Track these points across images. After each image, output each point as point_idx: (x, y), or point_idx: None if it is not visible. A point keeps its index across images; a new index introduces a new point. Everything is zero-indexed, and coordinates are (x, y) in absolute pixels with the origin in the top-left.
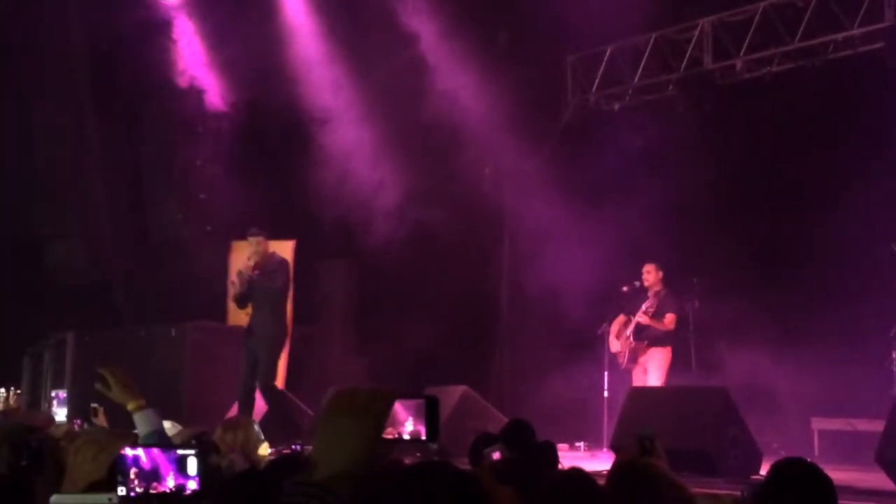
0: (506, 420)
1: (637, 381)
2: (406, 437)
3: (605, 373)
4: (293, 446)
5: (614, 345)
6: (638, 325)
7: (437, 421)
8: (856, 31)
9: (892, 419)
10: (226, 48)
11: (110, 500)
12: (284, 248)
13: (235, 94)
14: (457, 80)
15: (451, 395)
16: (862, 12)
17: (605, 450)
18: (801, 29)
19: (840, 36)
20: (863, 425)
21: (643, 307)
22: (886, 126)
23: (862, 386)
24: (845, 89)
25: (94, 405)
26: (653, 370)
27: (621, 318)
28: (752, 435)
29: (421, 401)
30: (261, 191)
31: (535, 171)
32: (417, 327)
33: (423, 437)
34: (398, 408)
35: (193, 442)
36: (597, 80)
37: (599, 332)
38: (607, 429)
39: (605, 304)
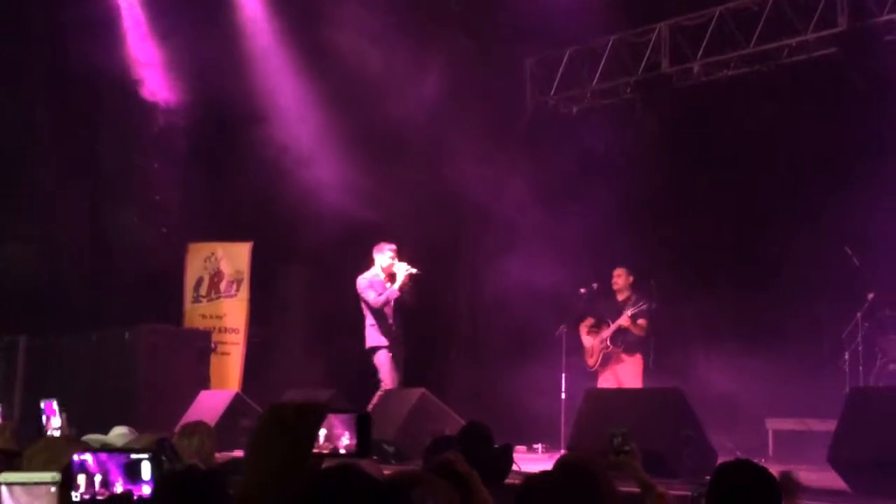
0: (463, 422)
1: (604, 384)
2: (342, 451)
3: (563, 374)
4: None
5: (587, 341)
6: (619, 328)
7: (369, 436)
8: (810, 36)
9: (844, 419)
10: (180, 45)
11: (53, 478)
12: (241, 250)
13: (191, 94)
14: (417, 82)
15: (409, 397)
16: (816, 17)
17: (562, 451)
18: (757, 33)
19: (795, 41)
20: (816, 425)
21: (628, 312)
22: (840, 129)
23: (816, 386)
24: (800, 93)
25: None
26: (628, 378)
27: (589, 320)
28: (707, 435)
29: (352, 416)
30: (217, 192)
31: (495, 173)
32: None
33: (354, 452)
34: (335, 422)
35: (156, 447)
36: (556, 83)
37: (557, 333)
38: (565, 430)
39: (563, 306)
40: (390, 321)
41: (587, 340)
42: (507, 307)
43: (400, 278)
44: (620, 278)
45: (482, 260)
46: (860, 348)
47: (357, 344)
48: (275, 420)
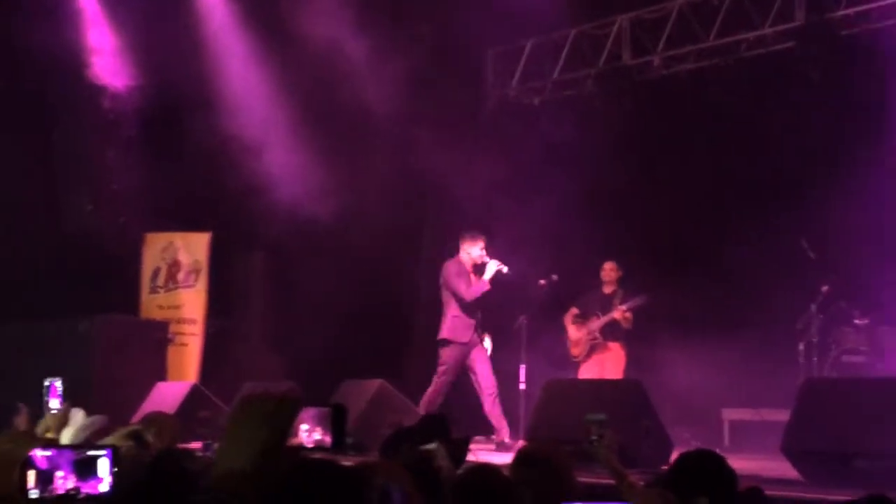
0: (422, 413)
1: (587, 374)
2: (310, 445)
3: (522, 365)
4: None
5: (573, 331)
6: (612, 321)
7: (344, 429)
8: (768, 31)
9: (797, 410)
10: (135, 30)
11: None
12: (200, 240)
13: (148, 80)
14: (378, 70)
15: (368, 388)
16: (774, 12)
17: (521, 441)
18: (716, 27)
19: (753, 35)
20: (771, 415)
21: (624, 306)
22: (797, 123)
23: (771, 377)
24: (758, 86)
25: (19, 404)
26: (611, 369)
27: (574, 310)
28: (664, 426)
29: (326, 409)
30: (176, 181)
31: (456, 164)
32: (334, 320)
33: (328, 446)
34: (303, 415)
35: (132, 441)
36: (517, 74)
37: (516, 325)
38: (524, 421)
39: (523, 297)
40: (475, 317)
41: (573, 331)
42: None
43: (490, 273)
44: (613, 272)
45: (442, 250)
46: (815, 340)
47: (316, 336)
48: (251, 410)
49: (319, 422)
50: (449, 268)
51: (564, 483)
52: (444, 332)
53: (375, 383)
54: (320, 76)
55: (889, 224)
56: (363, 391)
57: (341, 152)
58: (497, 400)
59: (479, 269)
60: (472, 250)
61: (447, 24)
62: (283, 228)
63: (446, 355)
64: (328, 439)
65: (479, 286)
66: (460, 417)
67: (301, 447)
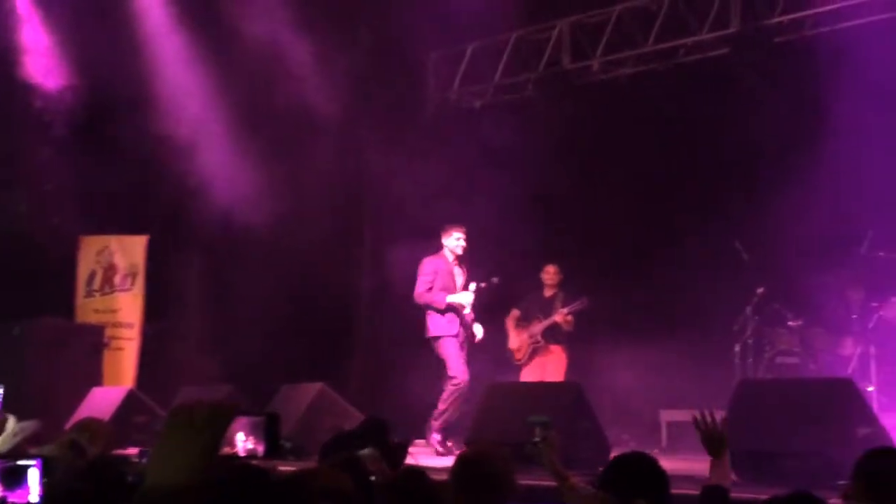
0: (362, 417)
1: (529, 377)
2: (242, 454)
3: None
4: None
5: (514, 334)
6: (554, 324)
7: (277, 438)
8: (705, 36)
9: (732, 410)
10: (71, 30)
11: None
12: (137, 243)
13: (82, 79)
14: (316, 73)
15: (308, 392)
16: (711, 18)
17: (462, 445)
18: (654, 32)
19: (690, 40)
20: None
21: (565, 309)
22: (732, 128)
23: (707, 378)
24: (696, 91)
25: None
26: (553, 372)
27: (516, 313)
28: (603, 428)
29: (260, 418)
30: (111, 183)
31: (397, 166)
32: (274, 323)
33: (261, 454)
34: (238, 424)
35: (71, 450)
36: (458, 78)
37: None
38: (466, 423)
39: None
40: (448, 311)
41: (514, 334)
42: (407, 301)
43: (463, 300)
44: (555, 275)
45: (382, 253)
46: (750, 341)
47: (255, 339)
48: (184, 419)
49: (253, 430)
50: (420, 264)
51: (505, 485)
52: (429, 330)
53: (316, 387)
54: (259, 77)
55: (821, 227)
56: (303, 395)
57: (280, 154)
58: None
59: (461, 258)
60: (448, 241)
61: (388, 26)
62: (221, 230)
63: (443, 352)
64: (261, 448)
65: (431, 297)
66: (404, 421)
67: (234, 456)
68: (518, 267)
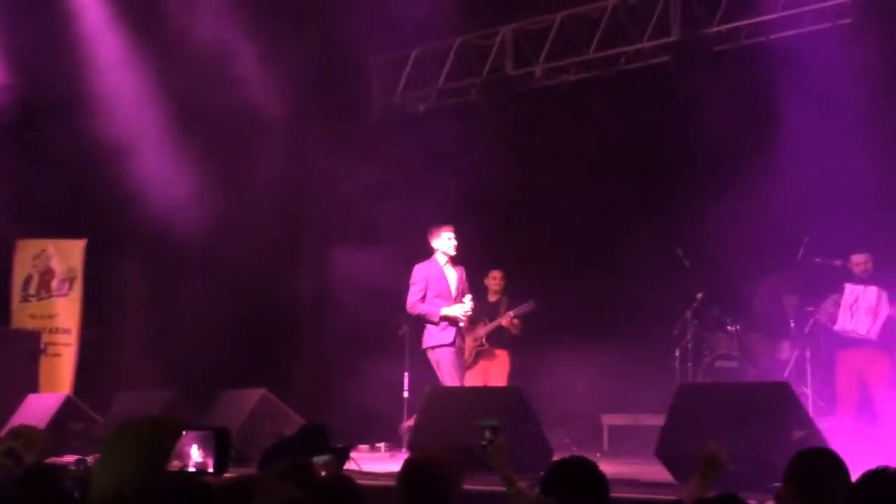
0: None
1: (472, 381)
2: (191, 468)
3: (406, 373)
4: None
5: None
6: (499, 327)
7: (227, 454)
8: (646, 44)
9: (671, 414)
10: (5, 31)
11: None
12: (75, 247)
13: (17, 79)
14: (261, 76)
15: (249, 398)
16: (651, 27)
17: (404, 450)
18: (596, 40)
19: (631, 48)
20: (648, 420)
21: (512, 312)
22: (672, 135)
23: (648, 382)
24: (637, 99)
25: None
26: (496, 376)
27: None
28: (544, 432)
29: (209, 432)
30: (49, 185)
31: (340, 170)
32: (215, 328)
33: (210, 469)
34: (185, 438)
35: (8, 458)
36: (402, 82)
37: (400, 332)
38: (407, 429)
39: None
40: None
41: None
42: (350, 305)
43: (461, 312)
44: (500, 280)
45: (325, 257)
46: (690, 346)
47: (195, 344)
48: (131, 431)
49: (203, 444)
50: (411, 272)
51: (452, 490)
52: (425, 342)
53: (258, 393)
54: (202, 79)
55: (759, 233)
56: (245, 401)
57: (223, 156)
58: None
59: (453, 259)
60: (439, 243)
61: (333, 29)
62: (161, 234)
63: (436, 360)
64: (210, 462)
65: (426, 309)
66: (347, 426)
67: (182, 470)
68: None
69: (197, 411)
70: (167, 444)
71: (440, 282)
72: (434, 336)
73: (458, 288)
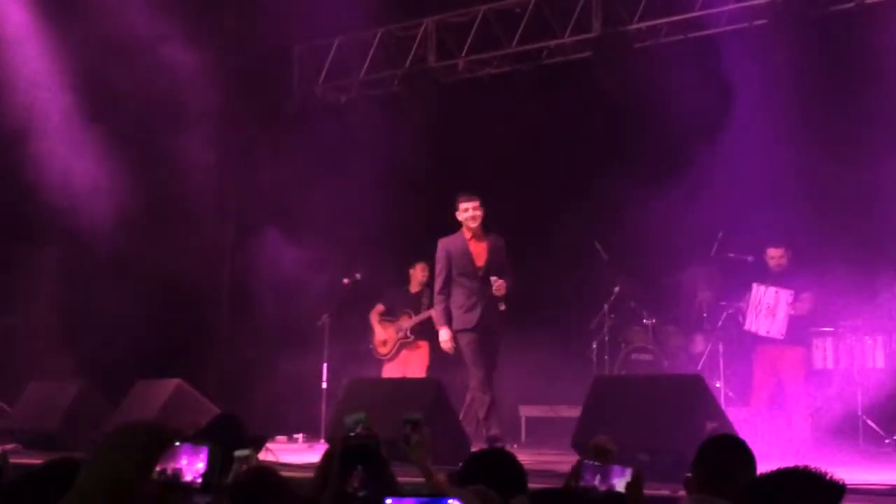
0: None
1: (391, 373)
2: (177, 480)
3: (325, 364)
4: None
5: (380, 329)
6: (425, 319)
7: (218, 470)
8: (567, 39)
9: (586, 406)
10: None
11: None
12: None
13: None
14: (179, 63)
15: (164, 388)
16: (573, 22)
17: (322, 441)
18: (518, 34)
19: (553, 43)
20: (565, 411)
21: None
22: (592, 130)
23: (566, 374)
24: (558, 93)
25: None
26: (416, 367)
27: (380, 307)
28: (462, 424)
29: (203, 448)
30: None
31: (259, 161)
32: (130, 318)
33: (195, 485)
34: (178, 449)
35: None
36: (324, 72)
37: (319, 323)
38: (325, 420)
39: (326, 295)
40: (468, 299)
41: (380, 329)
42: (270, 295)
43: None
44: (424, 272)
45: (243, 248)
46: (606, 338)
47: (109, 333)
48: (120, 437)
49: (194, 457)
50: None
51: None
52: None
53: (172, 383)
54: (116, 66)
55: (676, 228)
56: (159, 391)
57: (138, 144)
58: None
59: (477, 233)
60: (460, 216)
61: (253, 16)
62: (72, 222)
63: (460, 347)
64: (199, 477)
65: (436, 309)
66: (265, 416)
67: (165, 484)
68: (381, 263)
69: (111, 402)
70: (154, 453)
71: (463, 257)
72: (457, 320)
73: (486, 263)
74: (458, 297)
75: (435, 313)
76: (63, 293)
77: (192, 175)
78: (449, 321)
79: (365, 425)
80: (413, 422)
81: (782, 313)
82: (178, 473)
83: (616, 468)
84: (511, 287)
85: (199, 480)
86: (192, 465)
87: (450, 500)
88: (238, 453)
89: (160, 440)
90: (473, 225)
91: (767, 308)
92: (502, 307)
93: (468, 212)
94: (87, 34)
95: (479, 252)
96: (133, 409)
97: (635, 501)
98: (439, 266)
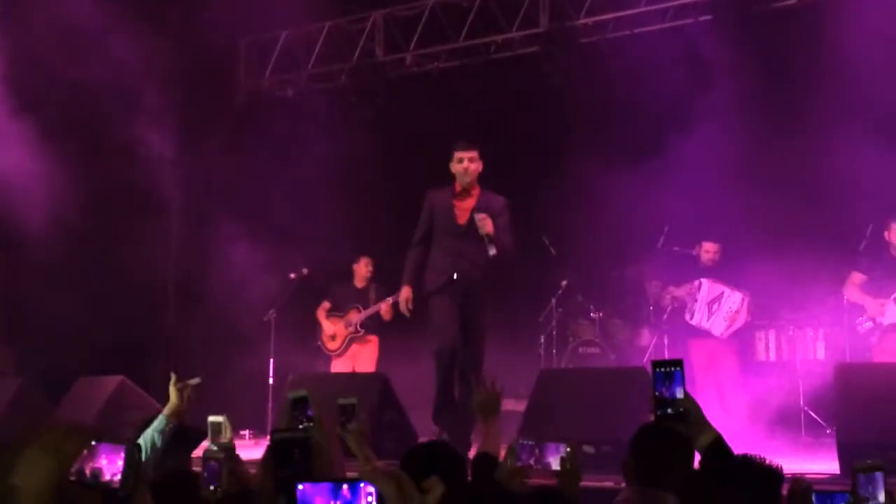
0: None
1: (340, 368)
2: (95, 480)
3: (271, 359)
4: None
5: (328, 325)
6: (374, 313)
7: (136, 471)
8: (514, 34)
9: (533, 399)
10: None
11: None
12: None
13: None
14: (121, 56)
15: (107, 385)
16: (520, 17)
17: (268, 437)
18: (466, 28)
19: (500, 38)
20: (514, 405)
21: (390, 299)
22: (540, 125)
23: (514, 368)
24: (506, 88)
25: None
26: (365, 362)
27: (326, 304)
28: (409, 418)
29: (120, 447)
30: None
31: (206, 155)
32: (74, 315)
33: (116, 486)
34: (95, 449)
35: None
36: (270, 66)
37: (265, 318)
38: (272, 416)
39: (272, 291)
40: (444, 259)
41: (329, 325)
42: (214, 291)
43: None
44: (368, 266)
45: (190, 244)
46: (554, 332)
47: (51, 328)
48: (40, 438)
49: (111, 456)
50: None
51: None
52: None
53: (115, 380)
54: (55, 58)
55: (622, 222)
56: (101, 388)
57: (77, 138)
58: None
59: (469, 188)
60: (453, 167)
61: (198, 9)
62: (10, 217)
63: (428, 311)
64: (117, 477)
65: (407, 260)
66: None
67: (82, 482)
68: (327, 258)
69: (52, 399)
70: (70, 452)
71: (446, 213)
72: (429, 281)
73: (469, 222)
74: (436, 256)
75: (407, 262)
76: (1, 289)
77: (138, 169)
78: (413, 279)
79: (349, 411)
80: (347, 406)
81: (725, 313)
82: (97, 473)
83: (551, 445)
84: (510, 250)
85: (118, 479)
86: (112, 465)
87: (361, 484)
88: (211, 419)
89: (79, 439)
90: (466, 179)
91: (710, 304)
92: (492, 251)
93: (462, 162)
94: (25, 22)
95: (464, 209)
96: (75, 407)
97: (570, 476)
98: (422, 217)
